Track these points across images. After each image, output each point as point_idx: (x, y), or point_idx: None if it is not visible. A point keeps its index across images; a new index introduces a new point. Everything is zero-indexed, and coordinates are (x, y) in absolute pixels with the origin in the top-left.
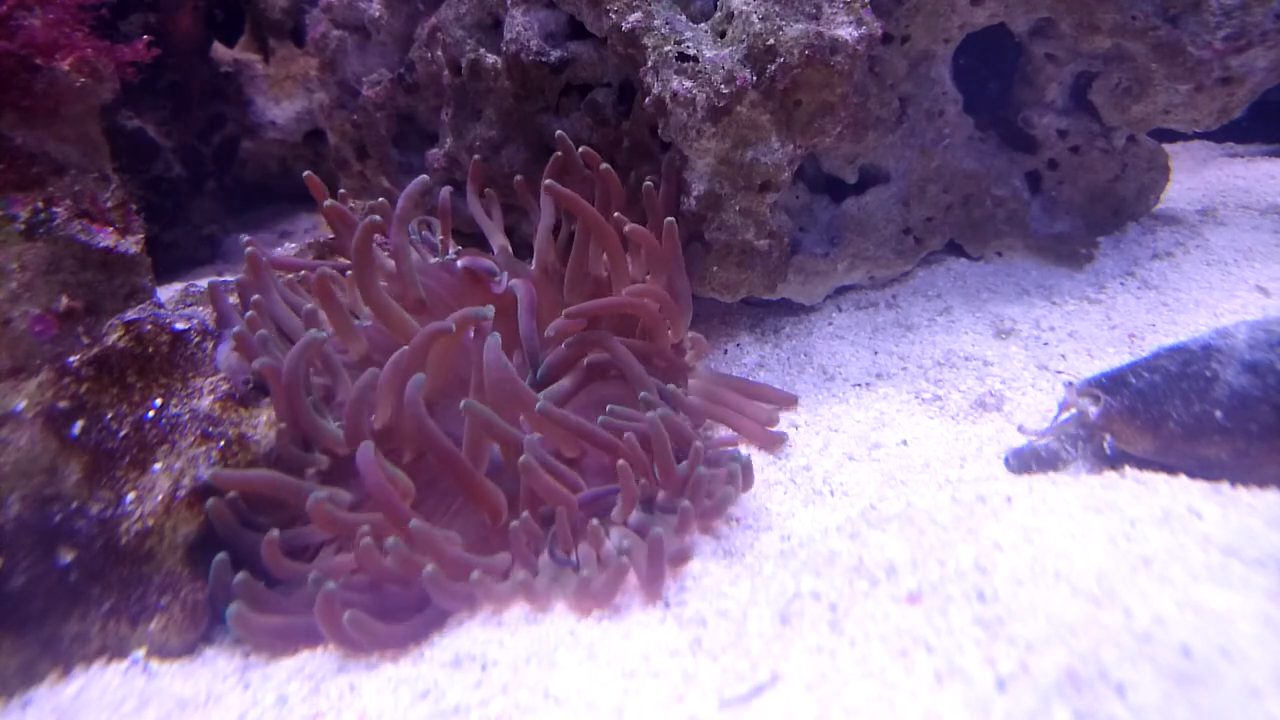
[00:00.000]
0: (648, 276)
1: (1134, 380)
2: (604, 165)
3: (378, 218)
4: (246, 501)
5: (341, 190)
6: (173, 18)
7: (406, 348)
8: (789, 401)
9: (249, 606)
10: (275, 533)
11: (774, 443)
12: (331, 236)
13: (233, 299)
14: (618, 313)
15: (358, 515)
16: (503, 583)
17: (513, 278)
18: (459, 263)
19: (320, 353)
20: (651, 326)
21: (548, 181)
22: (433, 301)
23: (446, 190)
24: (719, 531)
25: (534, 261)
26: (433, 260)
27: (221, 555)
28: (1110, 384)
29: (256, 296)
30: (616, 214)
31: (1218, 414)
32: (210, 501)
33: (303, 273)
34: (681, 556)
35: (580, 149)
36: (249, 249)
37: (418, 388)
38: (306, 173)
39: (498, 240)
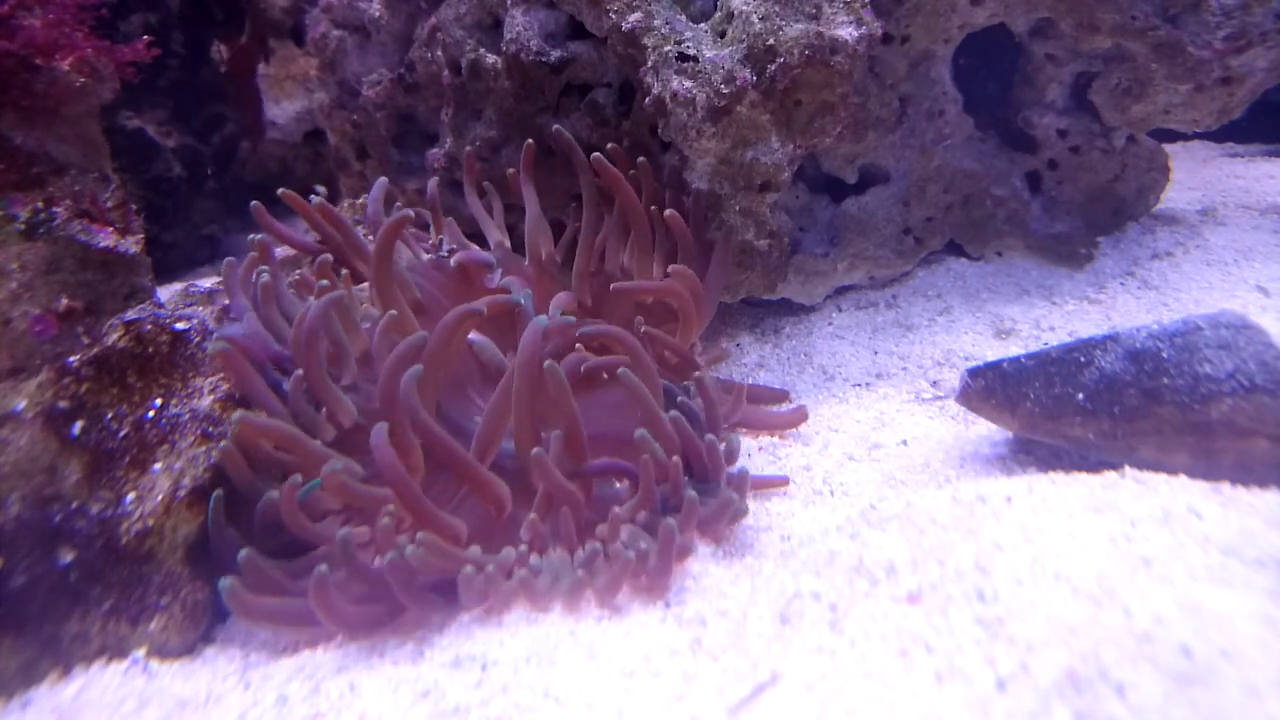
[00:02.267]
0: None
1: (1007, 365)
2: (641, 159)
3: (411, 212)
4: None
5: (317, 193)
6: (234, 54)
7: (432, 331)
8: (782, 399)
9: (245, 587)
10: (297, 478)
11: (798, 419)
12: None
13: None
14: (646, 299)
15: (372, 490)
16: (503, 583)
17: (509, 273)
18: (453, 260)
19: (330, 334)
20: (686, 318)
21: (595, 155)
22: (428, 302)
23: (434, 181)
24: (719, 532)
25: (526, 255)
26: (426, 257)
27: (217, 493)
28: (984, 368)
29: (266, 278)
30: (657, 207)
31: (1079, 396)
32: (223, 444)
33: (298, 274)
34: (681, 552)
35: (609, 146)
36: (259, 237)
37: (412, 381)
38: (281, 190)
39: (495, 236)
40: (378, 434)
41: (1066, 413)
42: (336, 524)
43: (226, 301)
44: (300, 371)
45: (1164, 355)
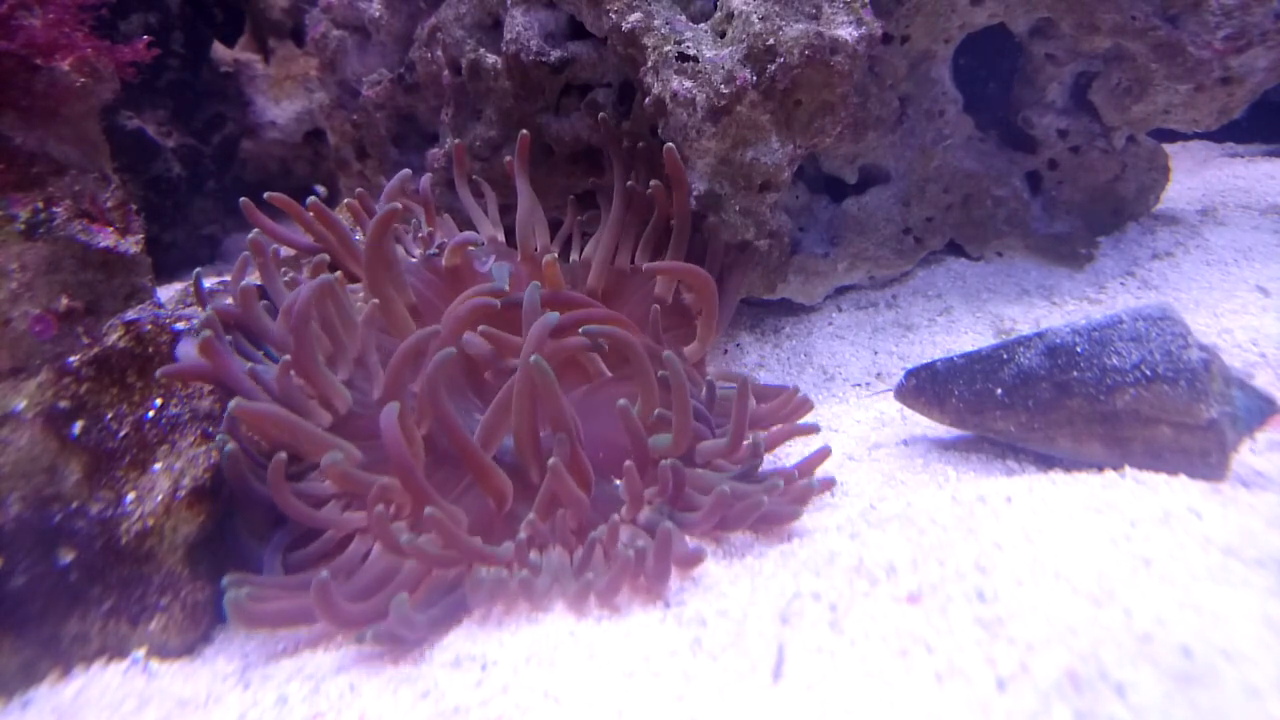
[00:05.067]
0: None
1: (940, 364)
2: (656, 182)
3: (399, 205)
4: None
5: (316, 193)
6: None
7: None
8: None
9: (249, 597)
10: (282, 456)
11: (806, 407)
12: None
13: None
14: (665, 300)
15: (375, 477)
16: (502, 584)
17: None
18: (445, 254)
19: (328, 330)
20: (706, 326)
21: (668, 146)
22: (419, 302)
23: (427, 178)
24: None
25: (519, 251)
26: (417, 253)
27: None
28: (920, 367)
29: (244, 282)
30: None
31: (998, 391)
32: (226, 446)
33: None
34: (690, 560)
35: (639, 145)
36: (254, 234)
37: (440, 365)
38: (268, 194)
39: (488, 231)
40: (388, 415)
41: (988, 406)
42: (337, 508)
43: (228, 301)
44: (287, 357)
45: (1078, 350)
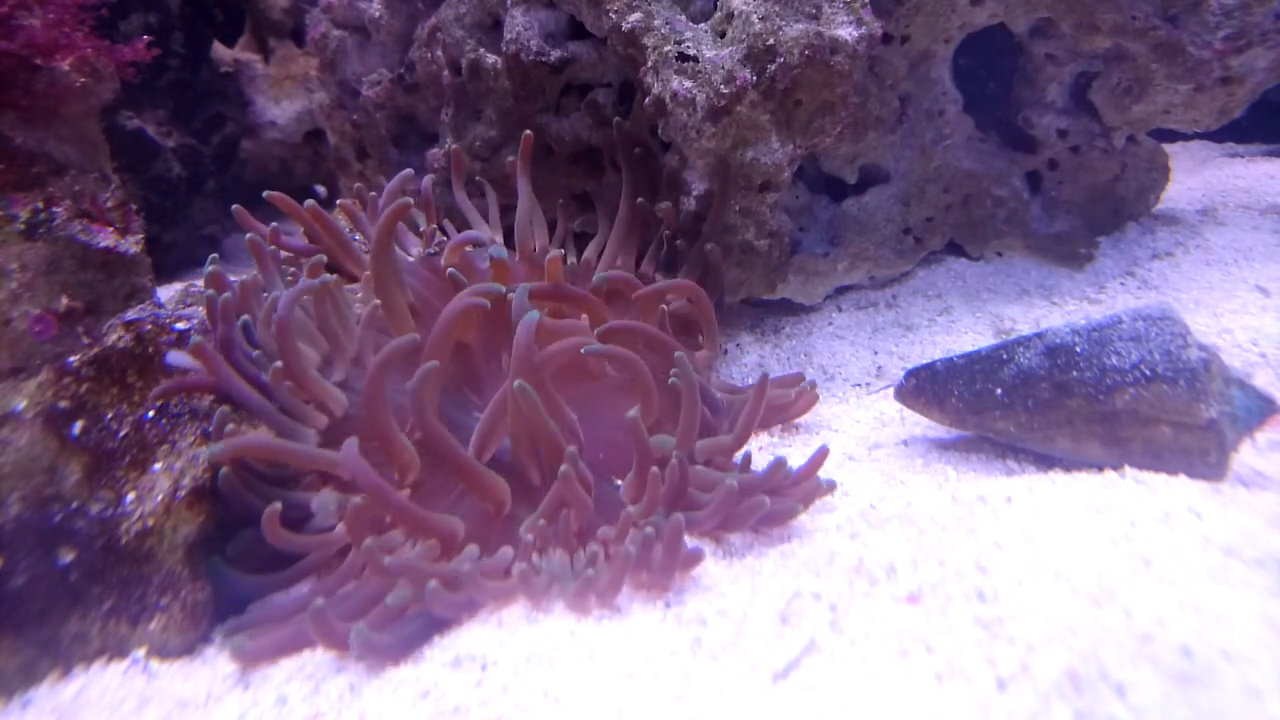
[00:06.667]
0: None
1: (940, 364)
2: (666, 204)
3: (410, 200)
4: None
5: (317, 194)
6: None
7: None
8: (796, 383)
9: (247, 636)
10: (277, 505)
11: (810, 400)
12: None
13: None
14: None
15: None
16: (502, 582)
17: (500, 268)
18: (445, 249)
19: (325, 329)
20: (708, 335)
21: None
22: (418, 302)
23: (428, 179)
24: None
25: (517, 251)
26: (415, 252)
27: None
28: (920, 367)
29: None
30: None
31: (998, 391)
32: (222, 472)
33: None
34: (690, 560)
35: (660, 208)
36: (250, 236)
37: (424, 379)
38: (266, 193)
39: (486, 233)
40: (348, 449)
41: (988, 407)
42: (332, 520)
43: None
44: (279, 364)
45: (1078, 350)
